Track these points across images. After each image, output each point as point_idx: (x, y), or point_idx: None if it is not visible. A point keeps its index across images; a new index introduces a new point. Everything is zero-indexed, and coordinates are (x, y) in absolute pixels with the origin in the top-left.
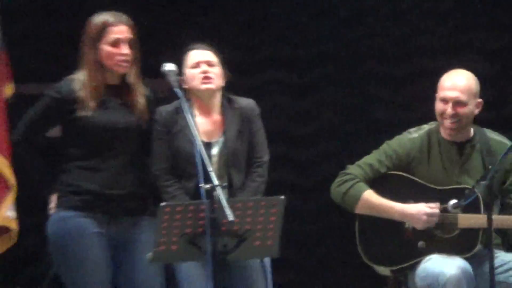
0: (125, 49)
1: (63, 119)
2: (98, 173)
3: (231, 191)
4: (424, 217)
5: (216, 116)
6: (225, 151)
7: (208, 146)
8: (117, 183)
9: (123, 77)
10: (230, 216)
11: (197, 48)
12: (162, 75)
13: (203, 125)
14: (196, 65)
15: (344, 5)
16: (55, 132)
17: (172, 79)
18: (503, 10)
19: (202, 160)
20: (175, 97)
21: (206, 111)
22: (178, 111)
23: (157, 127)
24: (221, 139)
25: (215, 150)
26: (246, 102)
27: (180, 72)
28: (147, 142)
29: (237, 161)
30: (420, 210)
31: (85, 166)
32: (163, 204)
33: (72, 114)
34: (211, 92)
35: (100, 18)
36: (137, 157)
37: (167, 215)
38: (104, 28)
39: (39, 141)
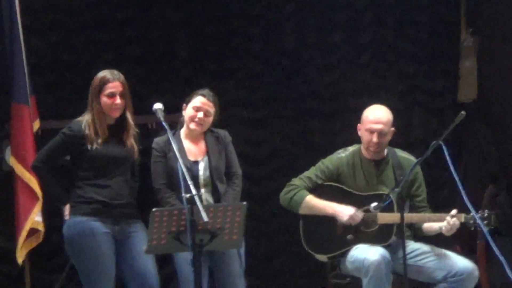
0: (117, 100)
1: (74, 151)
2: (104, 189)
3: (217, 196)
4: (350, 213)
5: (201, 141)
6: (210, 167)
7: (196, 163)
8: (118, 196)
9: (118, 119)
10: (205, 217)
11: (204, 96)
12: (153, 112)
13: (190, 148)
14: (197, 109)
15: (286, 59)
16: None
17: (160, 115)
18: (406, 61)
19: (184, 176)
20: (162, 128)
21: (193, 138)
22: (169, 141)
23: (155, 152)
24: (205, 158)
25: (201, 166)
26: (222, 132)
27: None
28: (134, 167)
29: (219, 174)
30: (348, 208)
31: (93, 184)
32: (154, 209)
33: (82, 147)
34: (197, 131)
35: (101, 75)
36: (129, 178)
37: (157, 217)
38: (103, 83)
39: (54, 165)
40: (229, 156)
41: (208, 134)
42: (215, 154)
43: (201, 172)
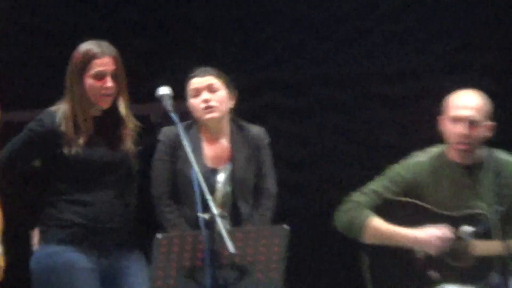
0: (108, 82)
1: (46, 153)
2: (87, 207)
3: (238, 221)
4: (438, 241)
5: (224, 142)
6: (233, 180)
7: (213, 172)
8: (106, 216)
9: (107, 109)
10: (231, 248)
11: (197, 75)
12: (157, 99)
13: (209, 150)
14: (197, 92)
15: (341, 26)
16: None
17: (167, 103)
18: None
19: (200, 188)
20: (170, 121)
21: (214, 137)
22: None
23: (161, 147)
24: (228, 166)
25: (221, 177)
26: (256, 130)
27: (175, 96)
28: (130, 176)
29: (245, 191)
30: (432, 234)
31: (72, 200)
32: (159, 235)
33: (57, 149)
34: (216, 120)
35: (84, 48)
36: (124, 190)
37: (164, 247)
38: (88, 60)
39: (18, 173)
40: (262, 165)
41: (235, 131)
42: (242, 161)
43: (219, 185)
